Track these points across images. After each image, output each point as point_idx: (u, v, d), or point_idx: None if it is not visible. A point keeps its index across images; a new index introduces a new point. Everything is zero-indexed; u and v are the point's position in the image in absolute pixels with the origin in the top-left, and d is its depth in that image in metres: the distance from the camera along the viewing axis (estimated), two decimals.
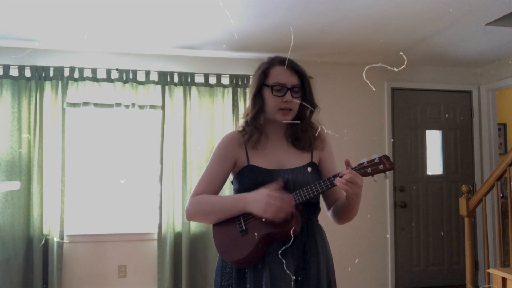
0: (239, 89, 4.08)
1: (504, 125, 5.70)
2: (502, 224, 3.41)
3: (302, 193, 1.48)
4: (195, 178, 3.91)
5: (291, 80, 1.57)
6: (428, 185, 4.59)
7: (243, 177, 1.58)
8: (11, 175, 3.64)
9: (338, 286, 1.66)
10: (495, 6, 2.94)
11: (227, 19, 3.18)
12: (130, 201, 4.04)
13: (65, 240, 3.79)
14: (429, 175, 4.61)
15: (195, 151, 3.97)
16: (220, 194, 1.64)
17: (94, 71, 3.84)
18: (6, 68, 3.69)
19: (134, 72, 3.91)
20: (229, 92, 4.07)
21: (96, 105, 3.85)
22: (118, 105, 3.88)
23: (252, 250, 1.45)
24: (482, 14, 3.09)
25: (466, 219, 3.32)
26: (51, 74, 3.76)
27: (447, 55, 4.19)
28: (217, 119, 4.04)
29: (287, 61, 1.60)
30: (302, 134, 1.64)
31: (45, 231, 3.72)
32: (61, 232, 3.72)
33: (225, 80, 4.09)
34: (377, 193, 4.40)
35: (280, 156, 1.61)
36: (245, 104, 3.99)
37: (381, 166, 1.47)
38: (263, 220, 1.45)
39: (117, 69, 3.87)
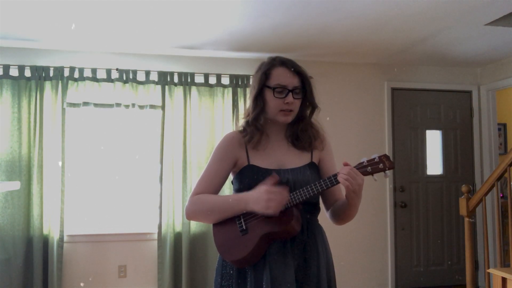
0: (239, 89, 4.08)
1: (504, 125, 5.70)
2: (502, 224, 3.41)
3: (302, 192, 1.48)
4: (195, 178, 3.91)
5: (292, 81, 1.57)
6: (428, 185, 4.59)
7: (243, 177, 1.58)
8: (11, 175, 3.64)
9: (338, 286, 1.66)
10: (495, 6, 2.94)
11: (227, 19, 3.18)
12: (130, 201, 4.04)
13: (65, 240, 3.80)
14: (429, 175, 4.61)
15: (195, 151, 3.97)
16: (220, 194, 1.64)
17: (94, 71, 3.84)
18: (6, 68, 3.69)
19: (134, 72, 3.91)
20: (229, 92, 4.07)
21: (96, 105, 3.85)
22: (118, 105, 3.88)
23: (252, 249, 1.46)
24: (482, 14, 3.09)
25: (466, 219, 3.32)
26: (51, 74, 3.76)
27: (447, 55, 4.19)
28: (217, 119, 4.04)
29: (288, 62, 1.59)
30: (302, 134, 1.64)
31: (45, 231, 3.72)
32: (61, 232, 3.72)
33: (225, 80, 4.09)
34: (377, 193, 4.40)
35: (281, 156, 1.61)
36: (245, 104, 4.02)
37: (381, 165, 1.47)
38: (266, 217, 1.45)
39: (117, 69, 3.87)
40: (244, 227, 1.49)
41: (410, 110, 4.59)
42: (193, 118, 4.00)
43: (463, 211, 3.33)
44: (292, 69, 1.58)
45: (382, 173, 1.47)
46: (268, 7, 2.95)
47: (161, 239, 3.89)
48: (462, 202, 3.33)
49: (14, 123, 3.68)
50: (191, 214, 1.58)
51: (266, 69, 1.60)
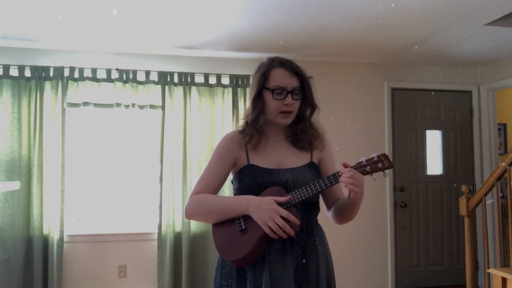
0: (239, 89, 4.08)
1: (504, 125, 5.70)
2: (502, 224, 3.41)
3: (302, 191, 1.48)
4: (195, 178, 3.91)
5: (291, 82, 1.57)
6: (428, 185, 4.59)
7: (243, 176, 1.58)
8: (11, 175, 3.64)
9: (338, 286, 1.66)
10: (495, 6, 2.94)
11: (227, 19, 3.18)
12: (130, 201, 4.04)
13: (65, 240, 3.80)
14: (429, 175, 4.61)
15: (195, 151, 3.97)
16: (220, 193, 1.64)
17: (94, 71, 3.84)
18: (6, 68, 3.69)
19: (134, 72, 3.91)
20: (229, 92, 4.07)
21: (96, 105, 3.85)
22: (118, 105, 3.88)
23: (251, 249, 1.45)
24: (482, 14, 3.09)
25: (466, 219, 3.32)
26: (51, 74, 3.76)
27: (447, 55, 4.19)
28: (217, 119, 4.04)
29: (286, 63, 1.59)
30: (302, 134, 1.64)
31: (45, 231, 3.72)
32: (61, 232, 3.72)
33: (225, 80, 4.09)
34: (377, 193, 4.40)
35: (280, 155, 1.61)
36: (245, 104, 3.99)
37: (379, 165, 1.47)
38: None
39: (117, 69, 3.87)
40: (243, 227, 1.49)
41: (410, 110, 4.59)
42: (193, 118, 4.00)
43: (463, 211, 3.33)
44: (291, 70, 1.57)
45: (381, 173, 1.47)
46: (268, 7, 2.95)
47: (161, 239, 3.89)
48: (462, 202, 3.33)
49: (14, 123, 3.68)
50: (190, 213, 1.58)
51: (265, 70, 1.59)
